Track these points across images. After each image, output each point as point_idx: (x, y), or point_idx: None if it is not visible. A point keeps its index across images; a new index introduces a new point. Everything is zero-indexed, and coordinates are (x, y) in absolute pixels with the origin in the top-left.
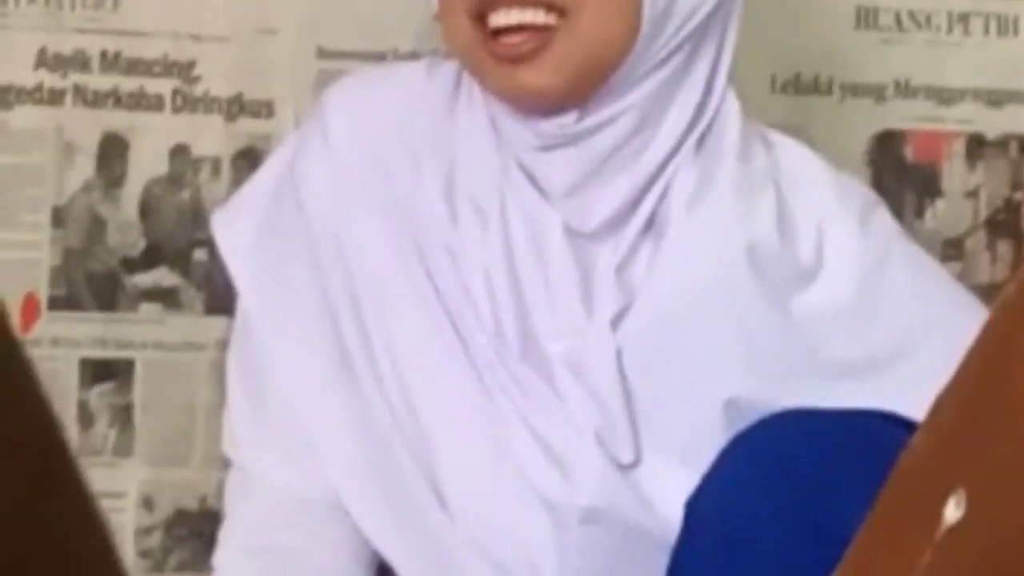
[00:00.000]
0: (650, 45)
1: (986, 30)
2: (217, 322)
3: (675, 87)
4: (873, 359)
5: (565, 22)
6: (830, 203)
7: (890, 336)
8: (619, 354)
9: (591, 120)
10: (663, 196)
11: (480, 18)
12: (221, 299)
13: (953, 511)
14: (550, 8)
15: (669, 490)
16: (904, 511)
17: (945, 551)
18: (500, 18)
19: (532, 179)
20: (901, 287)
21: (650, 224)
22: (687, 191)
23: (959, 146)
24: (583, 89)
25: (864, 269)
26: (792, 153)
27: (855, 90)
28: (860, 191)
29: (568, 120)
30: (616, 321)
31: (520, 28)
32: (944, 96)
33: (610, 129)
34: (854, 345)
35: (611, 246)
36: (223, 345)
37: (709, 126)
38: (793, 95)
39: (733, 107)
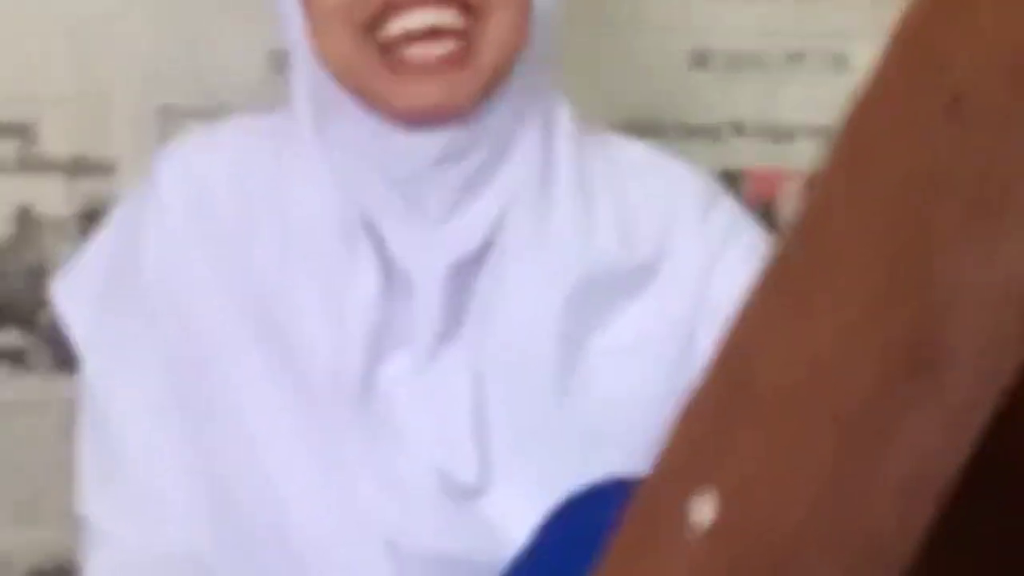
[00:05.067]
0: (532, 50)
1: (819, 68)
2: (65, 380)
3: (527, 101)
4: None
5: (476, 25)
6: (671, 197)
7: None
8: (477, 381)
9: (473, 134)
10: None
11: (370, 30)
12: (68, 358)
13: (704, 512)
14: (460, 7)
15: (516, 523)
16: (653, 514)
17: (699, 554)
18: (410, 21)
19: (407, 208)
20: (735, 276)
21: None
22: (529, 220)
23: (796, 184)
24: (486, 98)
25: (702, 260)
26: (630, 152)
27: (691, 131)
28: (701, 182)
29: (458, 136)
30: (476, 348)
31: (430, 34)
32: (779, 134)
33: (484, 144)
34: (690, 354)
35: (485, 269)
36: (72, 403)
37: (549, 142)
38: (629, 137)
39: (566, 121)
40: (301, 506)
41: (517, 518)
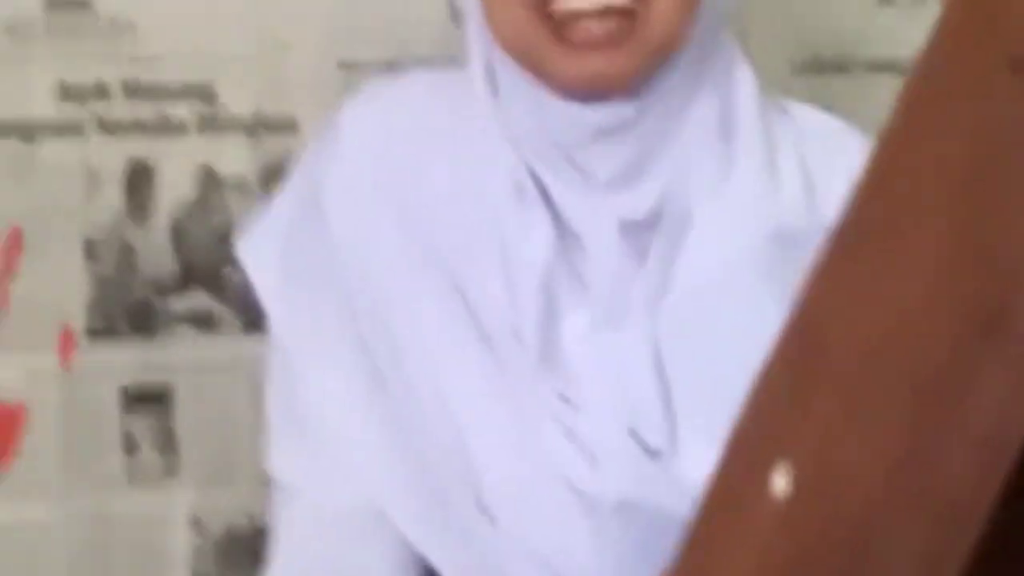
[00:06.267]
0: (702, 26)
1: None
2: (254, 341)
3: (701, 71)
4: None
5: (644, 5)
6: (856, 164)
7: None
8: (656, 343)
9: (641, 106)
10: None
11: (542, 5)
12: (257, 318)
13: (781, 484)
14: None
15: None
16: (735, 484)
17: (776, 525)
18: (580, 1)
19: (575, 173)
20: None
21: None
22: (711, 174)
23: None
24: (648, 74)
25: None
26: (811, 119)
27: (877, 66)
28: None
29: (624, 109)
30: (653, 309)
31: (601, 13)
32: None
33: (653, 115)
34: None
35: (659, 232)
36: (261, 363)
37: (729, 105)
38: (815, 75)
39: (748, 82)
40: (490, 456)
41: (705, 476)
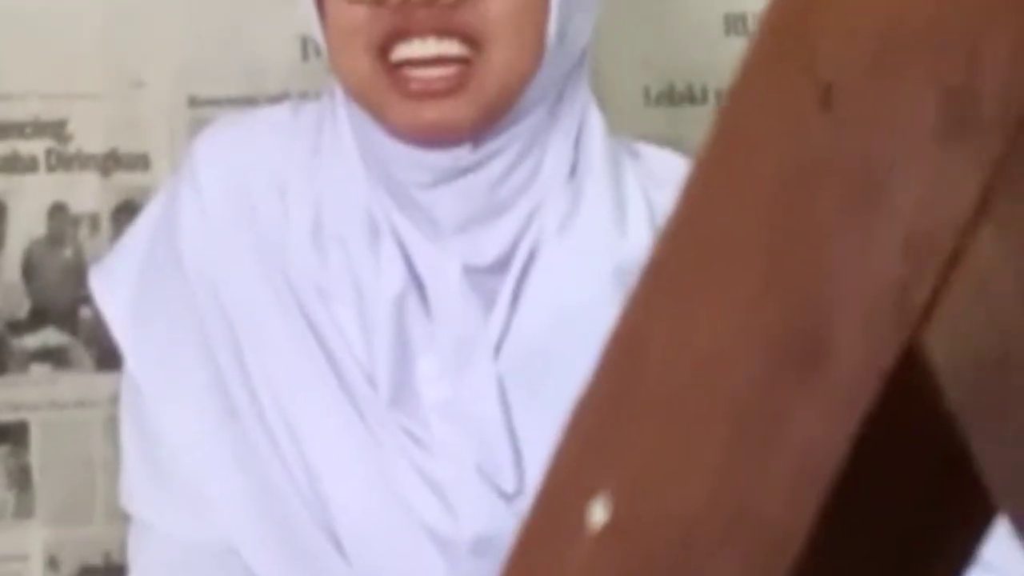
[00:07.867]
0: (548, 74)
1: None
2: (108, 378)
3: (557, 115)
4: None
5: (479, 54)
6: None
7: None
8: (500, 384)
9: (483, 151)
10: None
11: (382, 51)
12: (111, 354)
13: (598, 514)
14: (464, 39)
15: None
16: (550, 514)
17: (594, 557)
18: (414, 49)
19: (422, 216)
20: None
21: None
22: (558, 216)
23: None
24: (490, 122)
25: None
26: (661, 162)
27: None
28: None
29: (463, 153)
30: (495, 352)
31: (434, 61)
32: None
33: (499, 159)
34: None
35: (508, 276)
36: (116, 400)
37: (579, 148)
38: (668, 106)
39: (596, 124)
40: (344, 495)
41: None
